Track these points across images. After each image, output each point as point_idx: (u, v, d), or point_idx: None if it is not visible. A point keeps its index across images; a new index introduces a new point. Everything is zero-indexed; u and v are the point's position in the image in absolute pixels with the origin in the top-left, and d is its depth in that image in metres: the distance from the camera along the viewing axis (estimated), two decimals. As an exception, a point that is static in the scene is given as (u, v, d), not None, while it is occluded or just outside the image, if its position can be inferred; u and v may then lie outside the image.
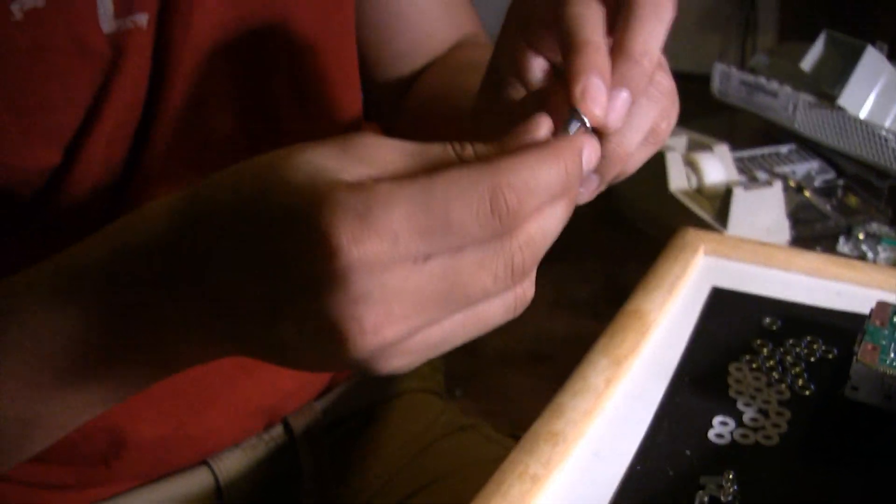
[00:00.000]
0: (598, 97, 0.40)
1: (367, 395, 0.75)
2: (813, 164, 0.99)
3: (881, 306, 0.62)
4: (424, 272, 0.34)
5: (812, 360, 0.65)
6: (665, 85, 0.45)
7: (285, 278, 0.35)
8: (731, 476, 0.54)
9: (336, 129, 0.63)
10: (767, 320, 0.68)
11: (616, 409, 0.61)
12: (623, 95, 0.42)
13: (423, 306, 0.35)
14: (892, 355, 0.57)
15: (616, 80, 0.42)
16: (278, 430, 0.69)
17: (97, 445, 0.59)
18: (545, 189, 0.36)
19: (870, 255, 0.84)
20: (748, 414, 0.60)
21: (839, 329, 0.66)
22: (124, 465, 0.61)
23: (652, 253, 0.80)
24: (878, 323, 0.60)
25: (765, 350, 0.66)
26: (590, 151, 0.40)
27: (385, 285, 0.33)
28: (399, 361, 0.36)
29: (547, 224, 0.37)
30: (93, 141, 0.49)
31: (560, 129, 0.40)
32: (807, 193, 0.92)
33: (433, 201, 0.33)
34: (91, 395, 0.42)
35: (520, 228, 0.35)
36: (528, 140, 0.38)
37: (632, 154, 0.44)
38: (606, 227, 1.49)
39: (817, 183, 0.96)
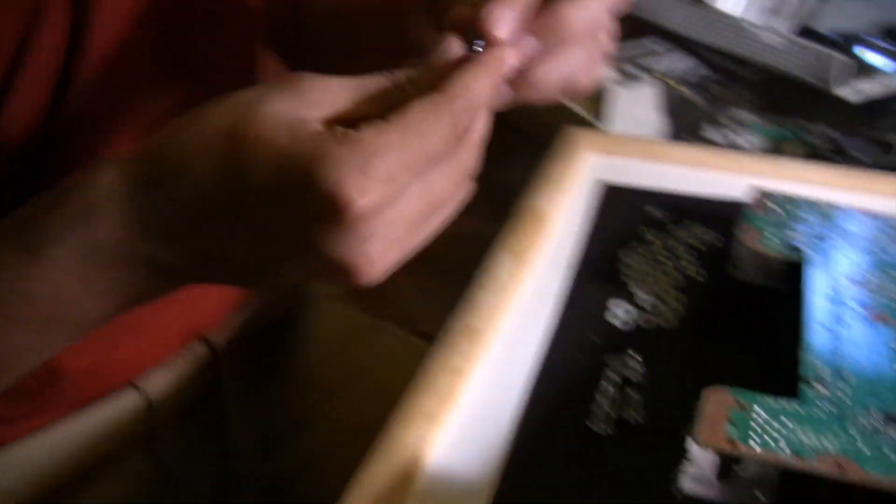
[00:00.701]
0: (502, 21, 0.44)
1: (282, 305, 0.79)
2: (685, 60, 1.04)
3: (758, 192, 0.68)
4: (412, 198, 0.39)
5: (701, 247, 0.71)
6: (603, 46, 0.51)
7: (297, 238, 0.39)
8: (639, 359, 0.60)
9: (248, 64, 0.66)
10: (654, 212, 0.74)
11: (523, 301, 0.66)
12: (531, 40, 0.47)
13: (412, 226, 0.40)
14: (769, 237, 0.64)
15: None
16: (202, 347, 0.71)
17: (31, 378, 0.61)
18: (483, 101, 0.41)
19: (741, 143, 0.90)
20: (647, 300, 0.66)
21: (721, 216, 0.73)
22: (57, 394, 0.63)
23: (530, 151, 0.84)
24: (756, 208, 0.67)
25: (654, 239, 0.71)
26: (510, 63, 0.45)
27: (386, 221, 0.38)
28: (388, 271, 0.41)
29: (482, 127, 0.43)
30: (18, 85, 0.50)
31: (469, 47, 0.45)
32: (680, 88, 0.97)
33: (413, 139, 0.38)
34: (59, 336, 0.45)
35: (468, 137, 0.41)
36: (449, 59, 0.43)
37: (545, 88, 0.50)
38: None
39: (690, 78, 1.01)
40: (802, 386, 0.51)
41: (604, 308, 0.65)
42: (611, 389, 0.58)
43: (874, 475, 0.45)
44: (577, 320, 0.64)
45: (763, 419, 0.48)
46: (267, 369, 0.77)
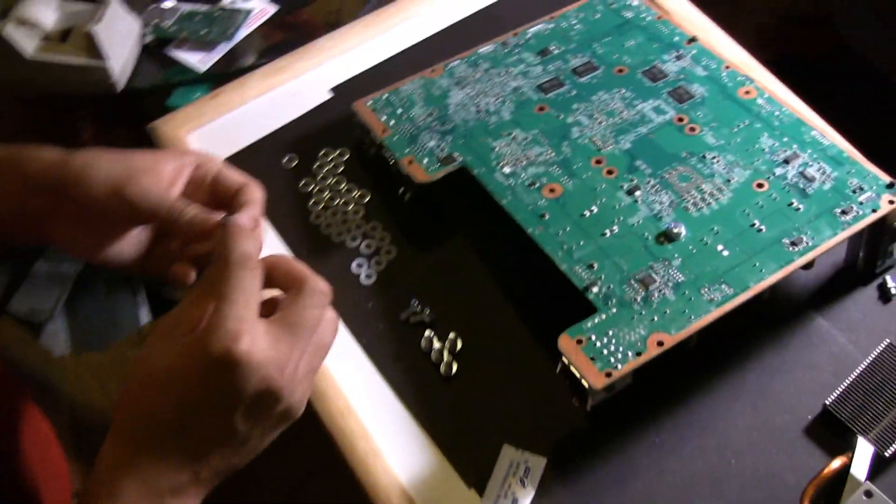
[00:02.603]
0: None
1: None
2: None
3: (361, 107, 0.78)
4: (315, 355, 0.57)
5: (340, 169, 0.79)
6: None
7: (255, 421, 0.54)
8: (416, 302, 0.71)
9: None
10: (285, 160, 0.80)
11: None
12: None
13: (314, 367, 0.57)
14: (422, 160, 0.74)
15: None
16: None
17: None
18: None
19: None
20: (362, 247, 0.77)
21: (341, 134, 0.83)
22: None
23: None
24: (381, 133, 0.76)
25: (312, 190, 0.80)
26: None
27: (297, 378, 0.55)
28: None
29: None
30: None
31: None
32: None
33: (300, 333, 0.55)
34: None
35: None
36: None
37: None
38: None
39: None
40: (588, 296, 0.67)
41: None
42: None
43: (677, 334, 0.64)
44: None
45: (602, 341, 0.64)
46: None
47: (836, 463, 0.65)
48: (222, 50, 1.11)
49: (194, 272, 0.65)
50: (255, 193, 0.63)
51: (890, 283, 0.72)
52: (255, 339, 0.52)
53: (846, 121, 0.81)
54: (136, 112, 1.19)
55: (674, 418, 0.68)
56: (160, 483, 0.52)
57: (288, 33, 1.14)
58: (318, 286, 0.56)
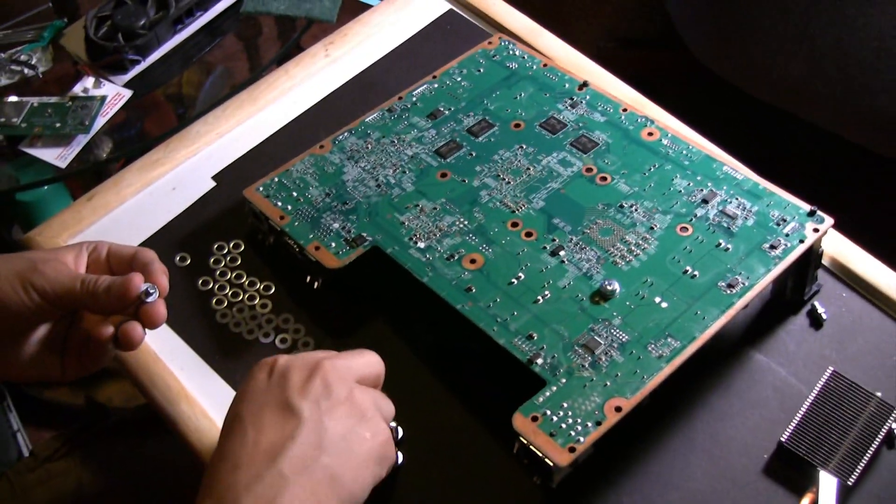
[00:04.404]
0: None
1: None
2: None
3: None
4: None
5: (237, 262, 0.74)
6: None
7: None
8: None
9: None
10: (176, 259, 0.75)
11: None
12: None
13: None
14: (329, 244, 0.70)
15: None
16: None
17: None
18: None
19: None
20: (276, 342, 0.69)
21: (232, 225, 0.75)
22: None
23: None
24: (280, 220, 0.72)
25: (213, 288, 0.78)
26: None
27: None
28: None
29: None
30: None
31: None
32: None
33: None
34: None
35: None
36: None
37: None
38: None
39: None
40: (534, 369, 0.64)
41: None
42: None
43: (633, 396, 0.62)
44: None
45: (558, 415, 0.61)
46: None
47: (805, 503, 0.64)
48: (81, 142, 1.05)
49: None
50: (149, 254, 0.66)
51: (819, 309, 0.72)
52: None
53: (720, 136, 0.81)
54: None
55: (634, 480, 0.66)
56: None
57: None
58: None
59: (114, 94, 1.09)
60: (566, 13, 1.87)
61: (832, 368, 0.68)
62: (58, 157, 1.04)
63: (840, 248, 0.76)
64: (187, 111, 1.19)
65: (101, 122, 1.06)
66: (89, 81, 1.09)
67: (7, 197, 1.06)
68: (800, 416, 0.67)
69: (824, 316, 0.72)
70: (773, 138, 1.61)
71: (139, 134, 1.12)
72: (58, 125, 1.05)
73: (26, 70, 1.13)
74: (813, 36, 1.23)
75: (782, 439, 0.66)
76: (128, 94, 1.09)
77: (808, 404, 0.67)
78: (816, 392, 0.68)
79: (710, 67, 1.50)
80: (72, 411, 1.47)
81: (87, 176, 1.22)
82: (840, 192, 1.13)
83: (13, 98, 1.08)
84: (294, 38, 1.14)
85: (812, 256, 0.70)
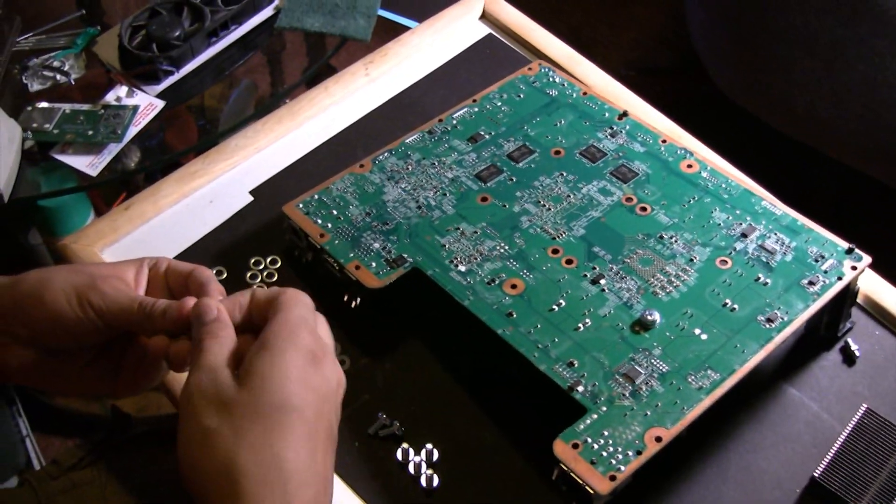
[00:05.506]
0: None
1: None
2: None
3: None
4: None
5: (274, 278, 0.75)
6: None
7: None
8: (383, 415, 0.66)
9: None
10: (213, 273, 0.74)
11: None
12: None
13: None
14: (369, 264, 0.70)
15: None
16: None
17: None
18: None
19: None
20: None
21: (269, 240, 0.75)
22: None
23: None
24: (320, 239, 0.72)
25: None
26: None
27: None
28: None
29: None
30: None
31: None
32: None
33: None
34: None
35: None
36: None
37: None
38: None
39: None
40: (575, 396, 0.64)
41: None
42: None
43: (673, 427, 0.63)
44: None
45: (599, 443, 0.62)
46: None
47: (839, 539, 0.65)
48: (112, 151, 1.05)
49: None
50: (206, 273, 0.64)
51: (853, 346, 0.73)
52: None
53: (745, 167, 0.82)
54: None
55: (669, 511, 0.67)
56: None
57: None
58: (289, 295, 0.59)
59: (146, 104, 1.09)
60: (584, 42, 1.89)
61: (866, 405, 0.69)
62: (88, 164, 1.04)
63: (873, 285, 0.76)
64: (208, 123, 1.19)
65: (133, 131, 1.06)
66: (122, 90, 1.10)
67: (29, 202, 1.06)
68: (833, 451, 0.67)
69: (857, 353, 0.73)
70: (797, 172, 1.63)
71: (160, 144, 1.12)
72: (90, 133, 1.06)
73: (58, 76, 1.14)
74: (839, 72, 1.24)
75: (815, 474, 0.67)
76: (160, 104, 1.09)
77: (841, 440, 0.68)
78: (850, 428, 0.68)
79: (735, 101, 1.51)
80: (84, 419, 1.47)
81: (108, 186, 1.22)
82: (866, 228, 1.14)
83: (45, 104, 1.09)
84: (328, 55, 1.15)
85: (848, 294, 0.71)
